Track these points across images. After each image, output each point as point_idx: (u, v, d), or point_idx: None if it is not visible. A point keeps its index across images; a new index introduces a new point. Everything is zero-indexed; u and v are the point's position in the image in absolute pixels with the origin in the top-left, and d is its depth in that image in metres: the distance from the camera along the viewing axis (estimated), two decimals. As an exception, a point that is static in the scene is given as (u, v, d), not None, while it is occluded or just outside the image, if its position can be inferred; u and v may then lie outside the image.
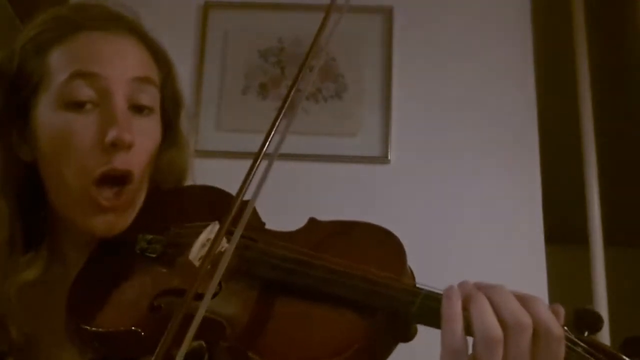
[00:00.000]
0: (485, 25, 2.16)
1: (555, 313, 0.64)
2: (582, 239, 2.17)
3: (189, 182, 0.99)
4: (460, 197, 2.00)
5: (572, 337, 0.63)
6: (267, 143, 0.74)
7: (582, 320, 0.66)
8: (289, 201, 1.93)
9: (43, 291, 0.90)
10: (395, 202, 1.99)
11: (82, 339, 0.76)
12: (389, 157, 2.03)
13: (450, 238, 1.95)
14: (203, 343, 0.72)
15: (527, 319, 0.61)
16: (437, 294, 0.67)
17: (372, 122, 2.06)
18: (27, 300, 0.88)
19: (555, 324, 0.61)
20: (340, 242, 0.81)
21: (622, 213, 2.81)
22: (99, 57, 0.85)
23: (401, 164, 2.03)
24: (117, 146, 0.82)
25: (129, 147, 0.83)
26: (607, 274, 2.11)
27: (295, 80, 0.76)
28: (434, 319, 0.66)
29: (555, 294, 1.92)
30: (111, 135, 0.81)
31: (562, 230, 2.53)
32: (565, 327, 0.64)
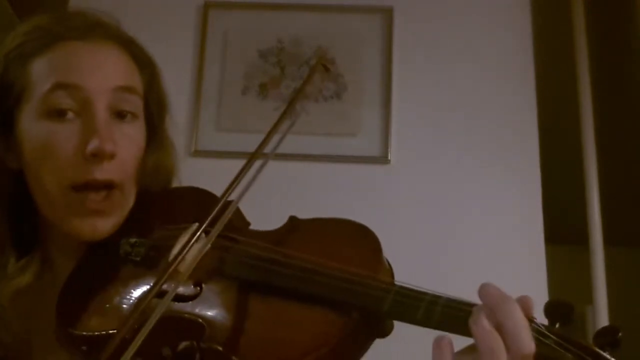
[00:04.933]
0: (485, 25, 2.16)
1: (523, 304, 0.63)
2: (582, 239, 2.17)
3: (176, 183, 1.00)
4: (460, 197, 2.00)
5: (542, 329, 0.63)
6: (257, 150, 0.75)
7: (554, 312, 0.65)
8: (289, 201, 1.93)
9: (34, 296, 0.90)
10: (395, 202, 1.99)
11: (71, 343, 0.77)
12: (389, 157, 2.03)
13: (450, 238, 1.95)
14: (195, 343, 0.72)
15: (498, 343, 0.61)
16: (410, 289, 0.68)
17: (372, 122, 2.06)
18: (20, 305, 0.88)
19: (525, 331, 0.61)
20: (318, 240, 0.82)
21: (622, 213, 2.81)
22: (79, 68, 0.85)
23: (401, 164, 2.03)
24: (98, 156, 0.82)
25: (110, 157, 0.83)
26: (607, 274, 2.11)
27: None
28: (407, 315, 0.66)
29: (555, 294, 1.92)
30: (92, 145, 0.82)
31: (562, 230, 2.53)
32: (535, 318, 0.63)
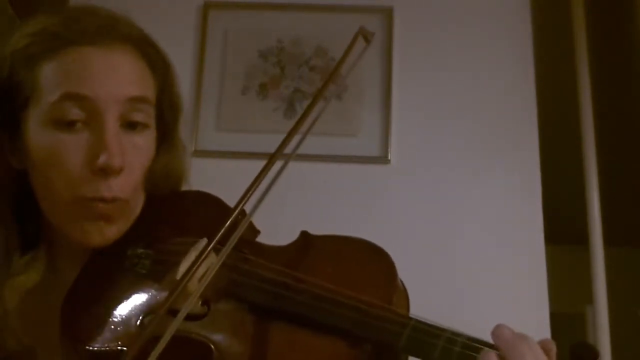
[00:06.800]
0: (485, 25, 2.15)
1: (546, 350, 0.62)
2: (582, 239, 2.17)
3: (185, 186, 0.98)
4: (461, 197, 1.99)
5: None
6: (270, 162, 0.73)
7: (578, 356, 0.63)
8: (289, 201, 1.92)
9: (39, 300, 0.89)
10: (395, 202, 1.99)
11: (75, 355, 0.76)
12: (389, 157, 2.02)
13: (450, 238, 1.95)
14: None
15: None
16: (426, 324, 0.66)
17: (372, 123, 2.06)
18: (24, 309, 0.87)
19: None
20: (331, 261, 0.80)
21: (622, 213, 2.81)
22: (89, 77, 0.83)
23: (401, 164, 2.03)
24: (106, 171, 0.81)
25: (118, 171, 0.82)
26: (607, 274, 2.11)
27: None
28: (422, 351, 0.65)
29: (555, 294, 1.92)
30: (101, 160, 0.80)
31: (562, 230, 2.53)
32: None
